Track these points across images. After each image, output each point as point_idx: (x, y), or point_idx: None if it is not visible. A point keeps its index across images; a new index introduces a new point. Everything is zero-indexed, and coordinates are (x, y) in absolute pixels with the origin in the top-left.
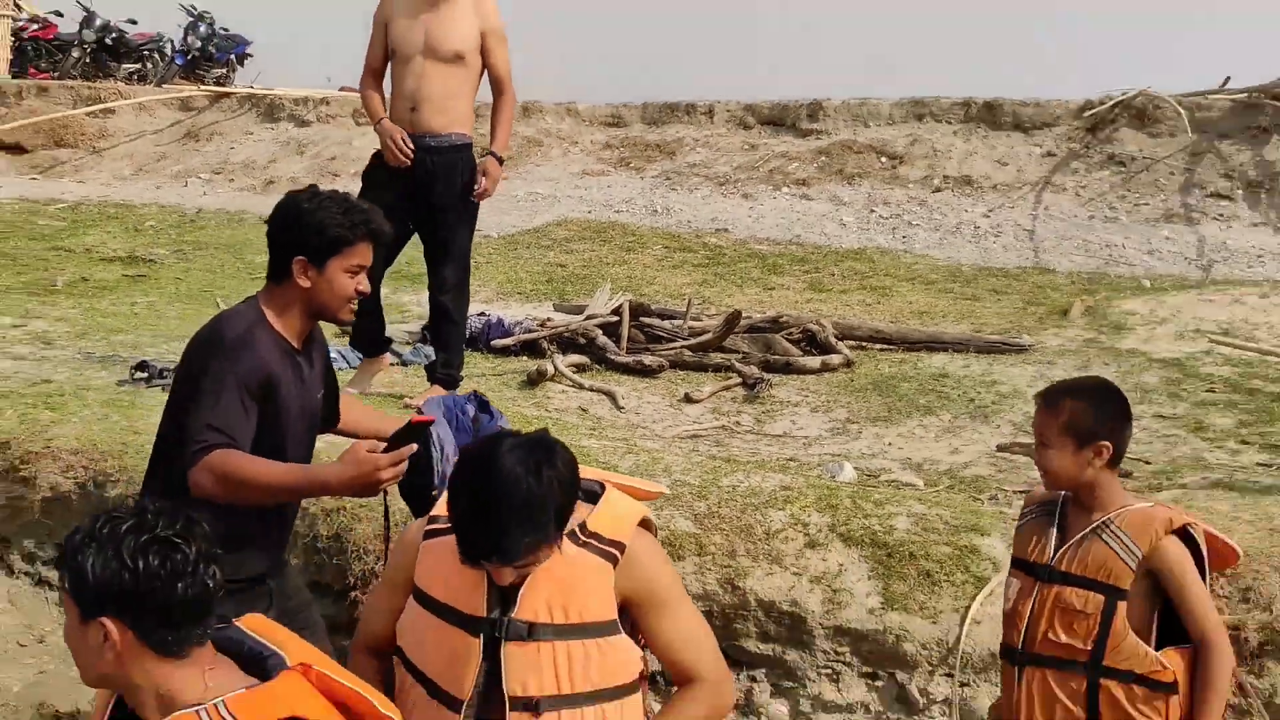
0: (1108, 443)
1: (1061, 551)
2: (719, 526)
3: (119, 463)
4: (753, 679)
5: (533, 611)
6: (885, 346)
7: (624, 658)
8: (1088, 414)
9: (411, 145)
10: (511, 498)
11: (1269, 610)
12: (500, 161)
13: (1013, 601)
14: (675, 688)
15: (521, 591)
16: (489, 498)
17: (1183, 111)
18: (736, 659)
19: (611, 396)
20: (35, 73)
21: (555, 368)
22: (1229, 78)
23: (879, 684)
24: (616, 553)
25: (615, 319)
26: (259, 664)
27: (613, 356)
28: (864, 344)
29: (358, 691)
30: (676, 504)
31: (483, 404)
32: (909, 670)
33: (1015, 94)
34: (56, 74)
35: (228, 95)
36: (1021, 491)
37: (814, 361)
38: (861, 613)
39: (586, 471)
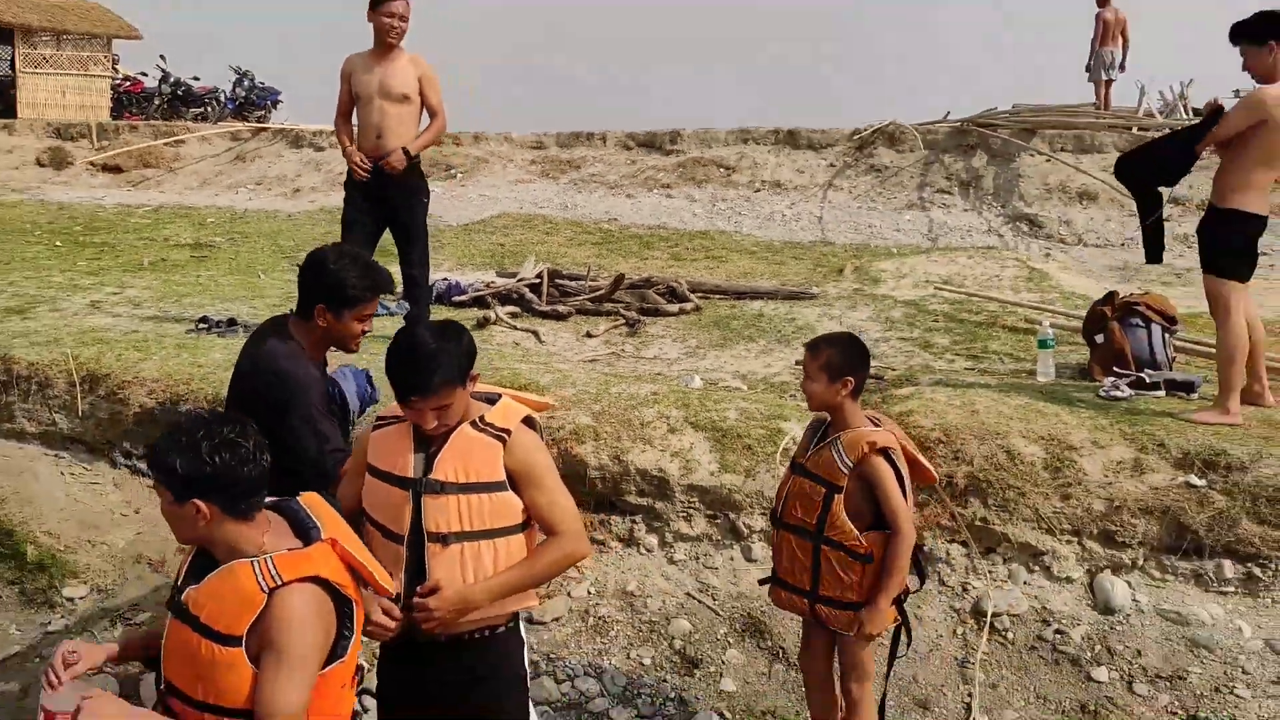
0: (850, 378)
1: (809, 454)
2: (609, 420)
3: (188, 388)
4: (633, 522)
5: (444, 473)
6: (722, 297)
7: (509, 508)
8: (838, 357)
9: (369, 164)
10: (426, 348)
11: (970, 464)
12: (407, 154)
13: (780, 483)
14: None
15: (436, 460)
16: (411, 350)
17: (917, 135)
18: (622, 509)
19: (536, 334)
20: (128, 115)
21: (496, 315)
22: (949, 112)
23: (718, 521)
24: (505, 436)
25: (538, 281)
26: (305, 532)
27: (536, 307)
28: (708, 295)
29: (368, 566)
30: (580, 405)
31: (369, 378)
32: (736, 511)
33: (809, 124)
34: (144, 116)
35: (265, 130)
36: None
37: (674, 308)
38: (706, 475)
39: (499, 390)
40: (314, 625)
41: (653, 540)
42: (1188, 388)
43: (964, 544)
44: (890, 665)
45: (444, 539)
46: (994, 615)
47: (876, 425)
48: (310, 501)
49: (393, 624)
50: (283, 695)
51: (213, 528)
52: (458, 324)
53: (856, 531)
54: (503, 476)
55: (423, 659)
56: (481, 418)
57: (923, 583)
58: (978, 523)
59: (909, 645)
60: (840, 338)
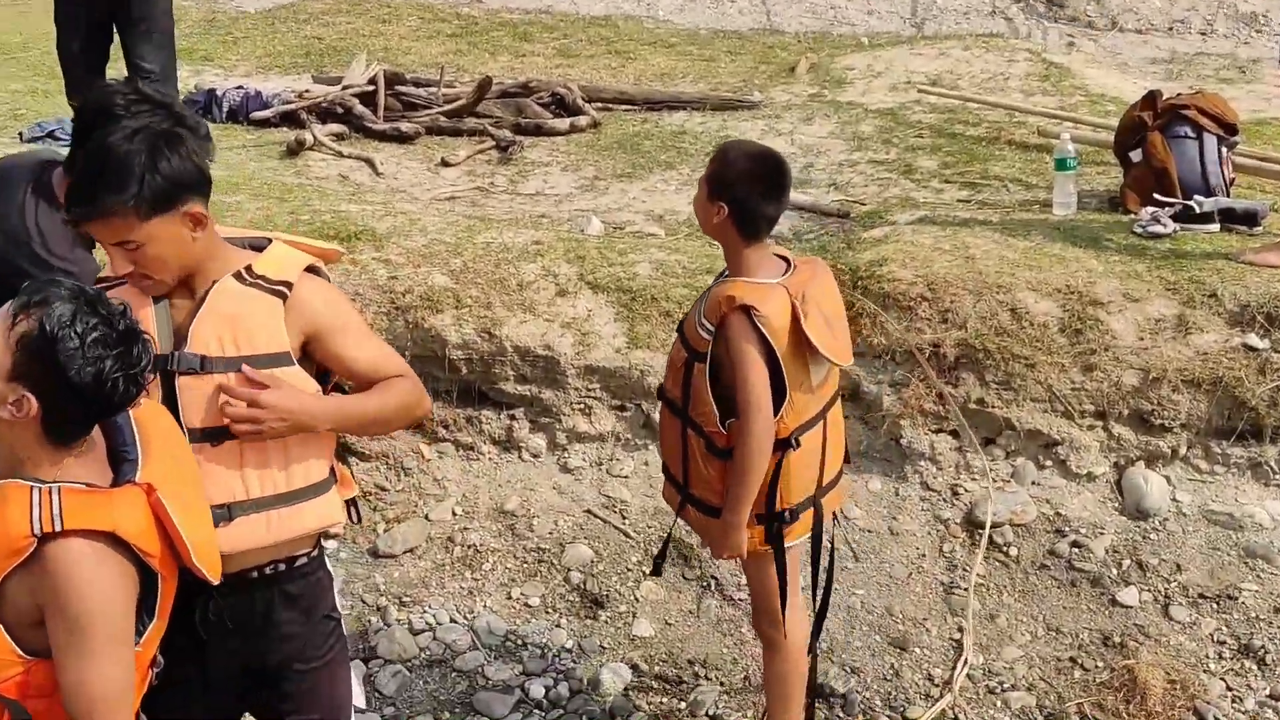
0: (723, 204)
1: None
2: (474, 280)
3: None
4: (512, 418)
5: (203, 345)
6: (629, 107)
7: (300, 386)
8: (716, 169)
9: None
10: (109, 150)
11: (964, 328)
12: None
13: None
14: None
15: (192, 328)
16: (93, 151)
17: None
18: (496, 400)
19: (370, 163)
20: None
21: (314, 137)
22: None
23: (626, 414)
24: (285, 290)
25: (371, 88)
26: (117, 464)
27: (370, 125)
28: (610, 105)
29: (182, 533)
30: (433, 261)
31: None
32: (653, 401)
33: None
34: None
35: None
36: None
37: (563, 123)
38: (609, 352)
39: (267, 234)
40: (111, 585)
41: (539, 442)
42: (1250, 219)
43: (954, 434)
44: (818, 600)
45: (213, 436)
46: (993, 526)
47: (784, 273)
48: (143, 417)
49: None
50: (94, 673)
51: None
52: (190, 130)
53: (717, 415)
54: (288, 346)
55: (195, 606)
56: (249, 269)
57: (815, 571)
58: (972, 405)
59: (825, 577)
60: (749, 148)
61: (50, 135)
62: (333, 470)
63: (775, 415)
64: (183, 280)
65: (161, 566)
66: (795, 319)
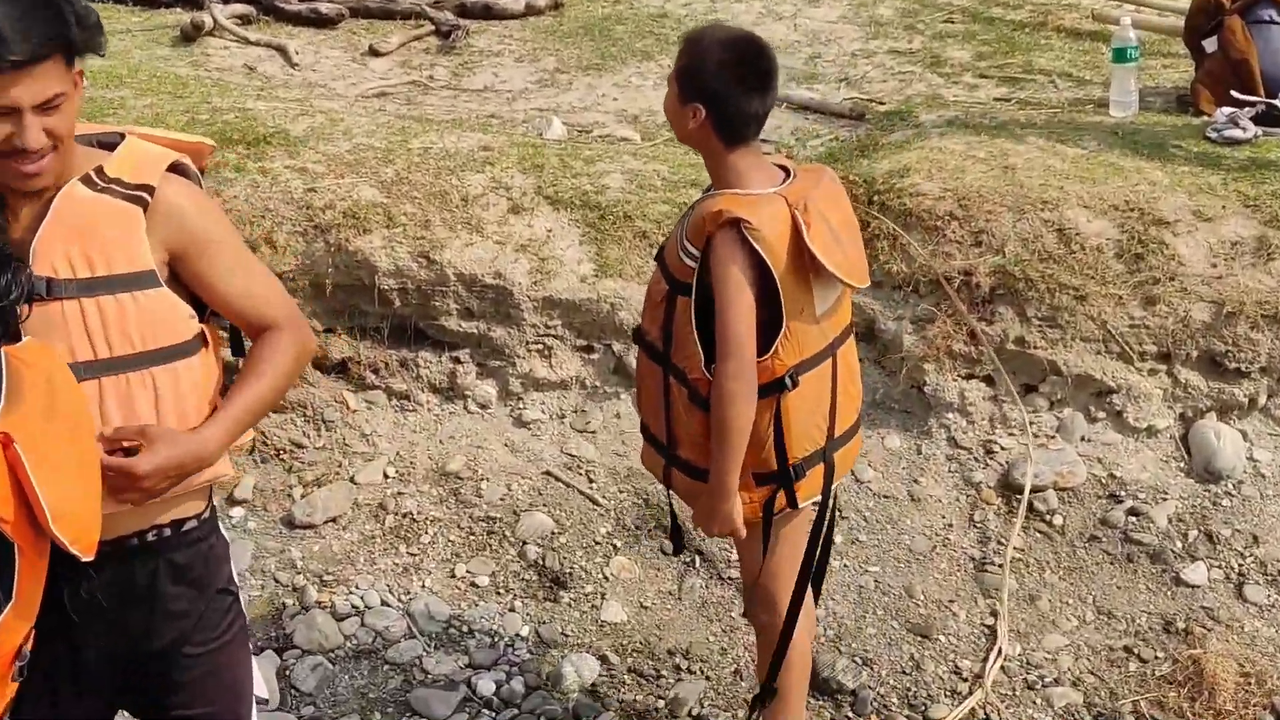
0: (699, 106)
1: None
2: (409, 194)
3: None
4: (456, 360)
5: (50, 267)
6: None
7: (170, 315)
8: (691, 66)
9: None
10: None
11: (1001, 253)
12: None
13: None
14: (250, 343)
15: (34, 246)
16: None
17: None
18: (436, 339)
19: (283, 51)
20: None
21: (214, 20)
22: None
23: (594, 356)
24: (145, 195)
25: None
26: None
27: (282, 5)
28: None
29: (39, 495)
30: (359, 170)
31: None
32: (626, 340)
33: None
34: None
35: None
36: None
37: (517, 3)
38: (573, 282)
39: (119, 128)
40: None
41: (488, 390)
42: None
43: (988, 380)
44: (807, 580)
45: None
46: (1034, 490)
47: (781, 182)
48: (27, 357)
49: None
50: None
51: None
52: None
53: (702, 358)
54: (151, 264)
55: (63, 580)
56: (100, 170)
57: (815, 542)
58: (1010, 346)
59: (820, 557)
60: (722, 35)
61: None
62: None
63: (770, 348)
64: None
65: (17, 536)
66: (796, 231)
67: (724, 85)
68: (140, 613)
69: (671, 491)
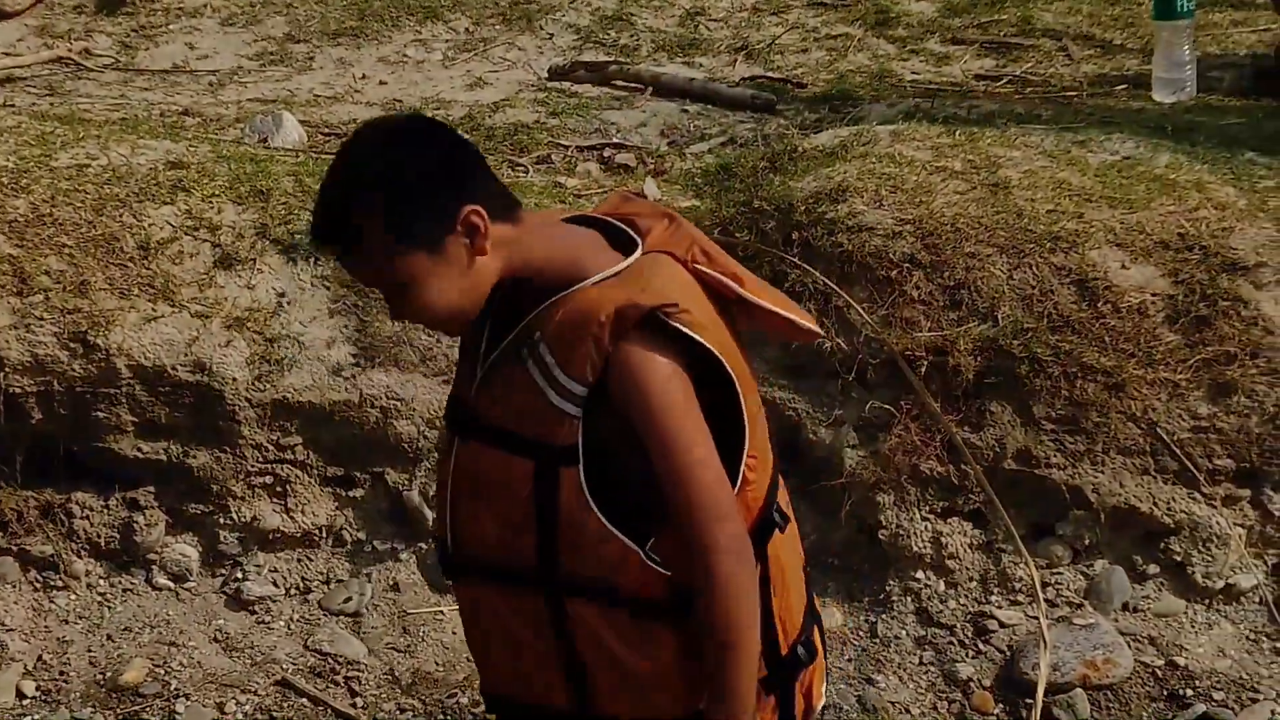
0: (469, 205)
1: (475, 388)
2: (54, 240)
3: None
4: (133, 504)
5: None
6: None
7: None
8: (379, 206)
9: None
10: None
11: (992, 319)
12: None
13: (439, 463)
14: None
15: None
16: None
17: None
18: (102, 472)
19: None
20: None
21: None
22: None
23: (356, 494)
24: None
25: None
26: None
27: None
28: None
29: None
30: None
31: None
32: (406, 465)
33: None
34: None
35: None
36: (594, 147)
37: None
38: (320, 375)
39: None
40: None
41: (186, 551)
42: None
43: (977, 517)
44: None
45: None
46: (1053, 692)
47: (628, 248)
48: None
49: None
50: None
51: None
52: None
53: (635, 548)
54: None
55: None
56: None
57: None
58: (1010, 464)
59: None
60: (358, 148)
61: None
62: None
63: (737, 478)
64: None
65: None
66: (721, 294)
67: (448, 168)
68: None
69: None
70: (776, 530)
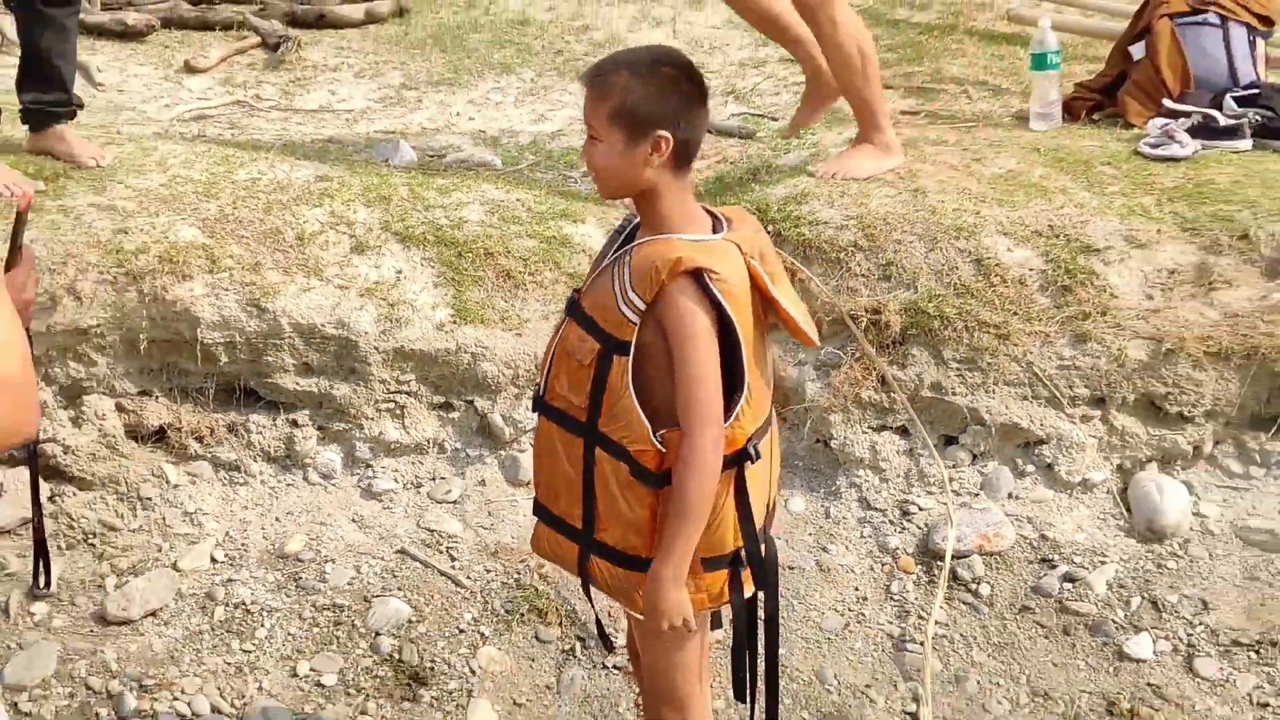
0: (665, 133)
1: (588, 282)
2: (236, 233)
3: None
4: (293, 423)
5: None
6: None
7: None
8: (639, 94)
9: None
10: None
11: (913, 288)
12: None
13: (551, 336)
14: None
15: None
16: None
17: None
18: (270, 400)
19: (83, 70)
20: None
21: (2, 34)
22: None
23: (454, 415)
24: None
25: None
26: None
27: (85, 14)
28: None
29: None
30: (177, 207)
31: None
32: (490, 395)
33: None
34: None
35: None
36: None
37: (356, 10)
38: (427, 330)
39: None
40: None
41: (332, 457)
42: None
43: (902, 432)
44: (741, 676)
45: None
46: (957, 556)
47: (716, 231)
48: None
49: None
50: None
51: None
52: None
53: (648, 427)
54: None
55: None
56: None
57: (760, 587)
58: (926, 393)
59: (759, 642)
60: (643, 55)
61: None
62: None
63: (730, 417)
64: None
65: None
66: (756, 285)
67: (681, 104)
68: None
69: (588, 583)
70: (749, 460)
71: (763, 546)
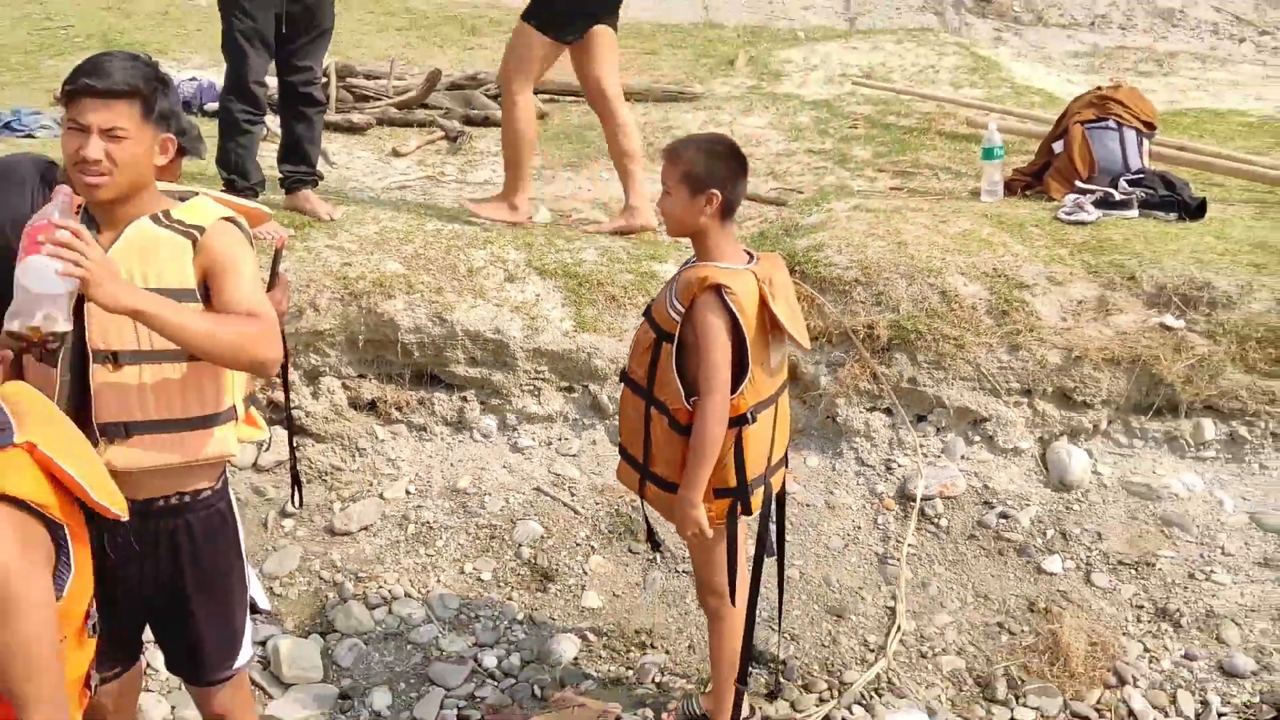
0: (716, 191)
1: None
2: (426, 267)
3: None
4: (463, 399)
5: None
6: (575, 99)
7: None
8: (700, 164)
9: None
10: (116, 55)
11: (896, 310)
12: None
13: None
14: None
15: (108, 256)
16: (120, 55)
17: None
18: (447, 383)
19: (323, 153)
20: None
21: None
22: None
23: (575, 395)
24: (196, 234)
25: (324, 80)
26: None
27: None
28: (556, 97)
29: (79, 480)
30: (384, 248)
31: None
32: (600, 382)
33: None
34: None
35: None
36: None
37: None
38: (557, 335)
39: (197, 189)
40: (21, 573)
41: (490, 423)
42: (1199, 210)
43: (887, 411)
44: (758, 578)
45: (114, 358)
46: (924, 499)
47: (747, 262)
48: (8, 393)
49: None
50: (9, 634)
51: None
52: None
53: (682, 393)
54: (193, 284)
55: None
56: (167, 213)
57: (746, 513)
58: (905, 385)
59: (763, 554)
60: (705, 139)
61: (6, 126)
62: (235, 408)
63: (735, 392)
64: (110, 216)
65: (66, 517)
66: (762, 300)
67: (728, 173)
68: (162, 556)
69: (645, 501)
70: (747, 423)
71: (761, 489)
